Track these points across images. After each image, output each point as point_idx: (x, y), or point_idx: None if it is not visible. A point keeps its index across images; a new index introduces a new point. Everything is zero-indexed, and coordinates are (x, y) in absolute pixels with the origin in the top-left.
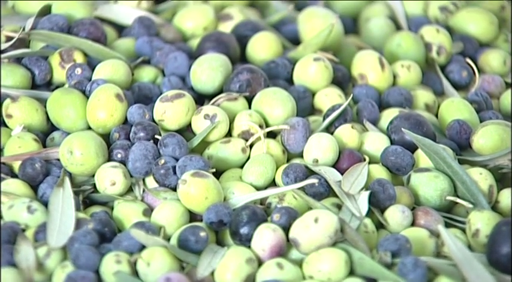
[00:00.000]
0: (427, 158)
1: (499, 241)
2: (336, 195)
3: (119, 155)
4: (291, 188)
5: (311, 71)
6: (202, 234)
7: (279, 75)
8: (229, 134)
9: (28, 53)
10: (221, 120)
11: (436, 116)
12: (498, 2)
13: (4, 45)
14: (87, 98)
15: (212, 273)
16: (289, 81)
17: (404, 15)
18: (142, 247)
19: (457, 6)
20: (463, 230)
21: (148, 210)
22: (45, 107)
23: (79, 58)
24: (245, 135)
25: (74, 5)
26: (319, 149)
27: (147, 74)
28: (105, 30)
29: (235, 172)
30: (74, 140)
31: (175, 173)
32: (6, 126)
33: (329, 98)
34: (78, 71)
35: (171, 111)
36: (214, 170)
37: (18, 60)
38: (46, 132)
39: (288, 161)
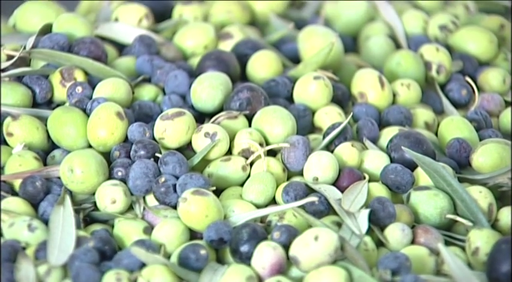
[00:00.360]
0: (427, 176)
1: (499, 259)
2: (336, 213)
3: (120, 173)
4: (291, 206)
5: (311, 90)
6: (203, 252)
7: (279, 93)
8: (229, 152)
9: (29, 71)
10: (221, 138)
11: (436, 134)
12: (497, 21)
13: (5, 64)
14: (88, 116)
15: None
16: (290, 99)
17: (404, 34)
18: (143, 265)
19: (456, 25)
20: (463, 248)
21: (149, 228)
22: (46, 125)
23: (80, 77)
24: (245, 154)
25: (75, 24)
26: (319, 167)
27: (147, 93)
28: (105, 48)
29: (235, 190)
30: (74, 158)
31: (175, 191)
32: (7, 144)
33: (329, 116)
34: (79, 89)
35: (171, 130)
36: (214, 188)
37: (19, 78)
38: (47, 151)
39: (288, 179)
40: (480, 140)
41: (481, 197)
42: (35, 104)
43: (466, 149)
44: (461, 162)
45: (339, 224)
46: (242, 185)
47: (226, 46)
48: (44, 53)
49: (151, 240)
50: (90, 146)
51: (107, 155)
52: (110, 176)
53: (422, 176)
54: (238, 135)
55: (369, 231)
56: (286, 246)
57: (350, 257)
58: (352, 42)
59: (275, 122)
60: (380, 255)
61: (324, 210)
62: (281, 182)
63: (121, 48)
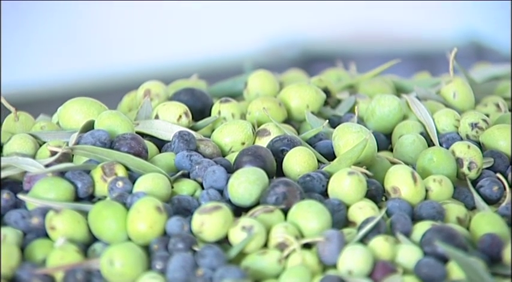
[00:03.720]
0: (460, 270)
1: None
2: None
3: (158, 266)
4: None
5: (345, 185)
6: None
7: (314, 188)
8: (265, 245)
9: (71, 167)
10: (258, 232)
11: (468, 229)
12: None
13: (49, 160)
14: (128, 210)
15: None
16: (324, 194)
17: (436, 132)
18: None
19: (487, 122)
20: None
21: None
22: (87, 219)
23: (120, 172)
24: (281, 247)
25: (116, 121)
26: (353, 261)
27: (186, 187)
28: (146, 144)
29: None
30: (114, 251)
31: None
32: (49, 237)
33: (363, 211)
34: (120, 184)
35: (209, 223)
36: (251, 281)
37: (61, 173)
38: (88, 244)
39: (323, 270)
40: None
41: None
42: (77, 198)
43: (497, 244)
44: (493, 256)
45: None
46: (278, 277)
47: (263, 142)
48: (86, 149)
49: None
50: (130, 239)
51: (146, 248)
52: (149, 269)
53: (455, 270)
54: (274, 229)
55: None
56: None
57: None
58: (385, 139)
59: (310, 216)
60: None
61: None
62: (316, 275)
63: (161, 145)
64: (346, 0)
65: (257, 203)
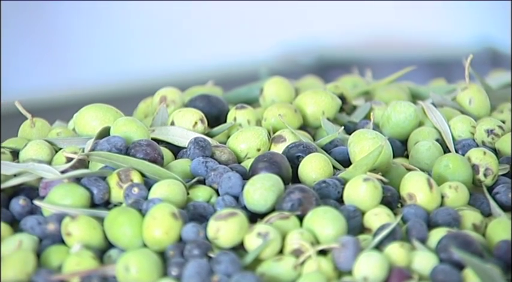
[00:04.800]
0: (476, 277)
1: None
2: None
3: (174, 272)
4: None
5: (361, 191)
6: None
7: (330, 194)
8: (281, 251)
9: (87, 173)
10: (273, 238)
11: (484, 235)
12: None
13: (64, 166)
14: (144, 216)
15: None
16: (340, 200)
17: (452, 138)
18: None
19: (503, 129)
20: None
21: None
22: (103, 225)
23: (136, 178)
24: (296, 253)
25: (132, 127)
26: (368, 267)
27: (202, 194)
28: (161, 151)
29: None
30: (130, 258)
31: None
32: (64, 243)
33: (378, 217)
34: (135, 190)
35: (224, 230)
36: None
37: (77, 180)
38: (104, 250)
39: (338, 278)
40: None
41: None
42: (92, 205)
43: None
44: (509, 263)
45: None
46: None
47: (279, 149)
48: (102, 155)
49: None
50: (145, 246)
51: (161, 254)
52: (165, 275)
53: (471, 277)
54: (289, 235)
55: None
56: None
57: None
58: (401, 146)
59: (326, 222)
60: None
61: None
62: (331, 281)
63: (176, 151)
64: (362, 6)
65: (272, 210)
